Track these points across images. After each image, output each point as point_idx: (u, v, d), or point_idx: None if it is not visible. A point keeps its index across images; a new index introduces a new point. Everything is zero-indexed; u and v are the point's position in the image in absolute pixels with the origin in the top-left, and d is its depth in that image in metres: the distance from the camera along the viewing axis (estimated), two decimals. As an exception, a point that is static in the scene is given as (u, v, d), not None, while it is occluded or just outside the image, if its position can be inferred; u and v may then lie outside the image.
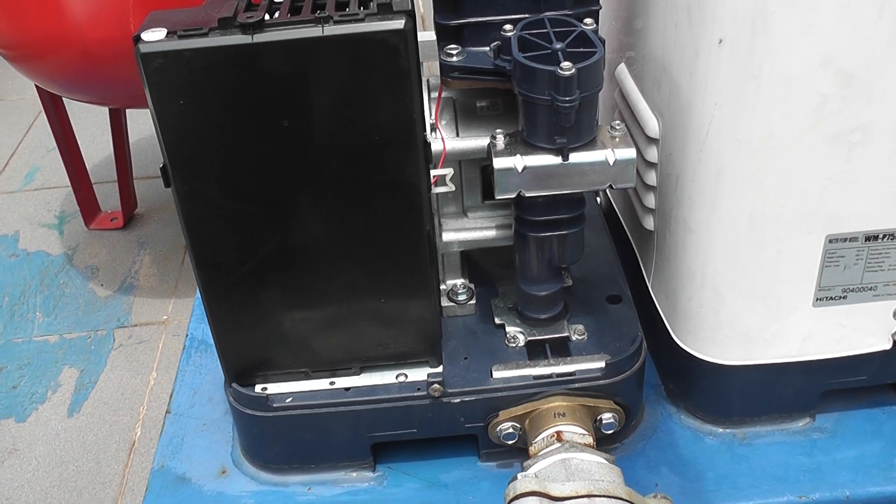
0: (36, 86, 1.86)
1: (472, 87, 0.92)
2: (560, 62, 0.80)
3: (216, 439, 1.04)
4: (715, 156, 0.86)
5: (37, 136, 2.41)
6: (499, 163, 0.86)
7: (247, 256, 0.86)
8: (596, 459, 0.87)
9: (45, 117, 1.90)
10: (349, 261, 0.88)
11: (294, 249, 0.86)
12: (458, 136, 0.95)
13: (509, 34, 0.86)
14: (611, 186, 0.88)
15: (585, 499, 0.80)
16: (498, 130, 0.89)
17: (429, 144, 0.83)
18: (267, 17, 0.76)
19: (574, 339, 0.99)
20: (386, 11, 0.75)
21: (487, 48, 0.90)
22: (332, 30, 0.74)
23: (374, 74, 0.76)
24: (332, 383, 0.95)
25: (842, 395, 1.03)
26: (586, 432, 0.92)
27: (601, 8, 0.90)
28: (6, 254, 1.88)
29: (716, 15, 0.80)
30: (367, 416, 0.94)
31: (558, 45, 0.83)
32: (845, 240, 0.89)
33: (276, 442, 0.97)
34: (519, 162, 0.86)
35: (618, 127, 0.88)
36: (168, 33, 0.75)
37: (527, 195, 0.88)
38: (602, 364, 0.95)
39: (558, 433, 0.91)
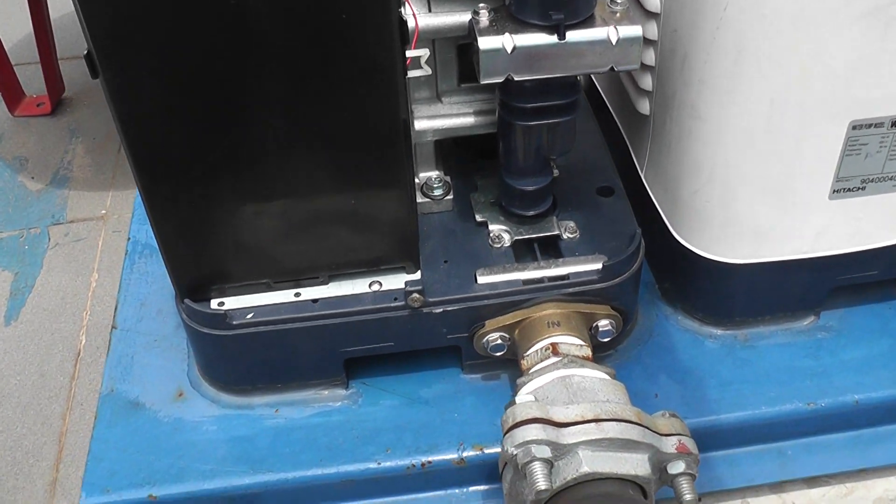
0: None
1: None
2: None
3: (170, 357, 0.94)
4: (734, 33, 0.75)
5: (-51, 12, 2.19)
6: (484, 42, 0.75)
7: (194, 158, 0.74)
8: (597, 375, 0.79)
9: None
10: (314, 157, 0.76)
11: (249, 148, 0.74)
12: (429, 10, 0.83)
13: None
14: (612, 69, 0.77)
15: (593, 423, 0.72)
16: (480, 4, 0.77)
17: (405, 22, 0.70)
18: None
19: (565, 237, 0.90)
20: None
21: None
22: None
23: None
24: (297, 295, 0.85)
25: (846, 291, 0.96)
26: (583, 343, 0.83)
27: None
28: (-77, 144, 1.71)
29: None
30: (338, 330, 0.84)
31: None
32: (870, 126, 0.80)
33: (237, 362, 0.87)
34: (508, 41, 0.75)
35: (619, 1, 0.76)
36: None
37: (516, 79, 0.76)
38: (599, 265, 0.85)
39: (553, 345, 0.82)
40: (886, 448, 0.91)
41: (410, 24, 0.80)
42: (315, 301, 0.84)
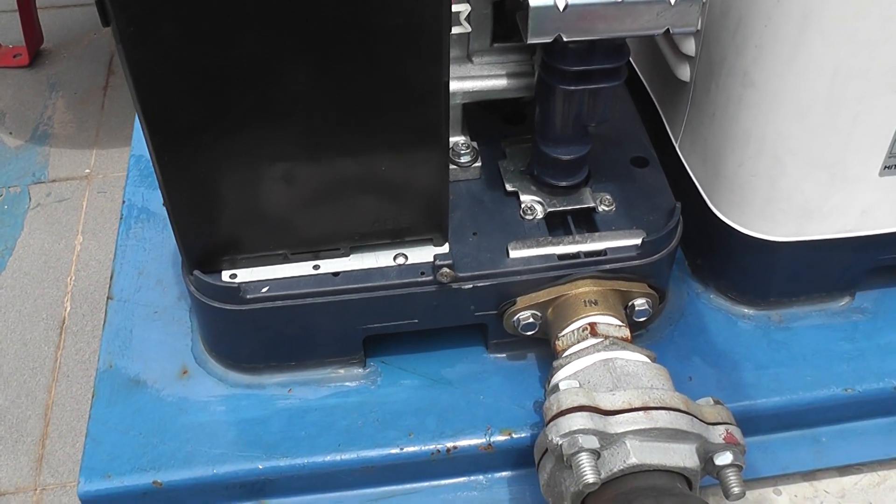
0: None
1: None
2: None
3: (172, 331, 0.88)
4: (803, -5, 0.69)
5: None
6: (536, -1, 0.68)
7: (213, 115, 0.67)
8: (639, 359, 0.74)
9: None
10: (344, 118, 0.70)
11: (274, 107, 0.68)
12: (468, -38, 0.76)
13: None
14: (667, 31, 0.71)
15: (641, 412, 0.67)
16: (528, -44, 0.70)
17: (452, -27, 0.64)
18: None
19: (601, 210, 0.84)
20: None
21: None
22: None
23: None
24: (316, 268, 0.79)
25: (881, 273, 0.92)
26: (621, 323, 0.78)
27: None
28: None
29: None
30: (360, 306, 0.79)
31: None
32: (930, 98, 0.75)
33: (249, 339, 0.81)
34: (561, -2, 0.68)
35: (677, -43, 0.70)
36: None
37: (566, 39, 0.70)
38: (639, 241, 0.80)
39: (591, 325, 0.77)
40: (922, 436, 0.88)
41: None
42: (336, 274, 0.79)
